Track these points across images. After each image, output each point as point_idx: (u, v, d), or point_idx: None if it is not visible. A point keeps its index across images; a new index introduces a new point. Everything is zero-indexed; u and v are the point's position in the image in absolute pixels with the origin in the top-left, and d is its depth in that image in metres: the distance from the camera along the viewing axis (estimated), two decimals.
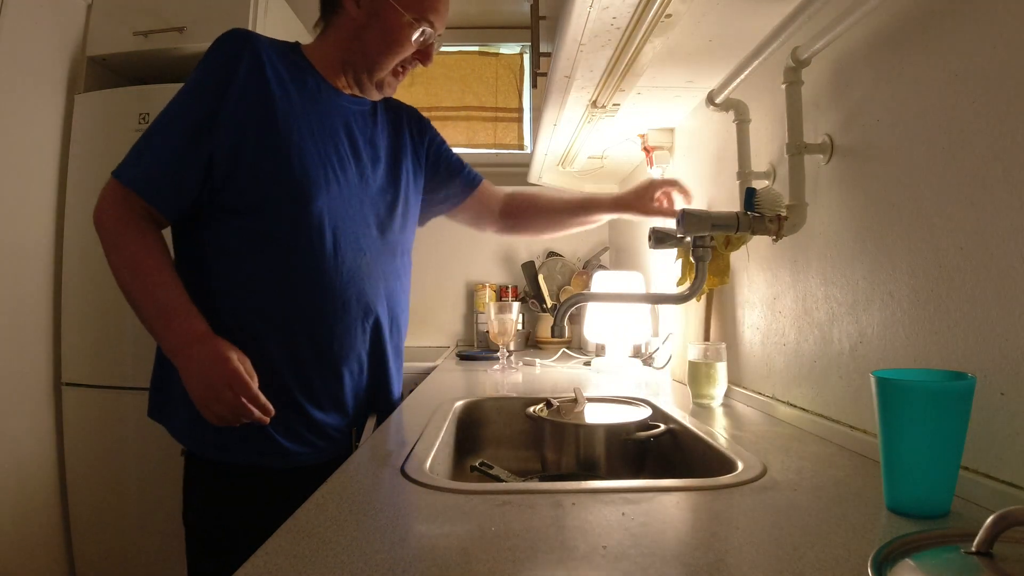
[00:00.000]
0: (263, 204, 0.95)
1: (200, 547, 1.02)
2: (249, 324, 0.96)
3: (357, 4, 1.01)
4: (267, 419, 0.89)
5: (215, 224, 0.96)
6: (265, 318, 0.97)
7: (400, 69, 1.06)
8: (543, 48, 1.52)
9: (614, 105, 1.42)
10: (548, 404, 1.09)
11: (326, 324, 1.00)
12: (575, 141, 1.77)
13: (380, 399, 1.11)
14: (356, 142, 1.06)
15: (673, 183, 1.27)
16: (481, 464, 0.92)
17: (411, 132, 1.21)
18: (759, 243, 1.12)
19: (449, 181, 1.31)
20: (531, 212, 1.37)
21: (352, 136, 1.06)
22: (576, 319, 2.22)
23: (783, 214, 0.94)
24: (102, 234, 0.92)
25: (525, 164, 2.30)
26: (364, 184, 1.06)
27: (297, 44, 1.07)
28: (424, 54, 1.05)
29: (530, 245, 2.66)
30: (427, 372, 1.80)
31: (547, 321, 2.42)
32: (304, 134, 0.97)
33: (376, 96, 1.09)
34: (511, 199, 1.39)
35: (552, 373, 1.69)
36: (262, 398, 0.88)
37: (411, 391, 1.42)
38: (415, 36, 1.01)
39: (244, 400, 0.86)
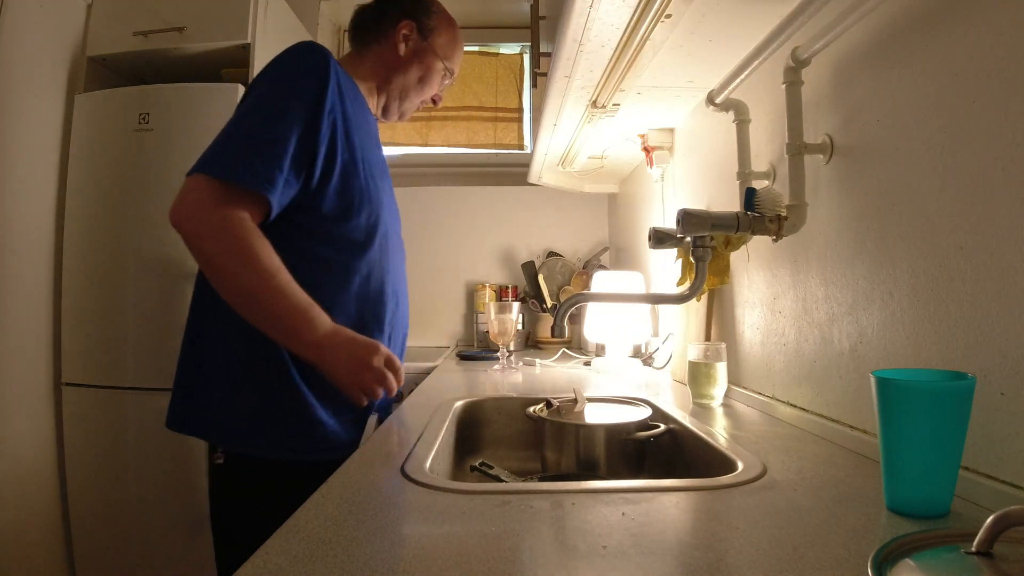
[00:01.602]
0: (345, 211, 1.01)
1: (225, 541, 1.02)
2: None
3: (405, 44, 1.16)
4: (393, 392, 0.99)
5: (298, 228, 0.99)
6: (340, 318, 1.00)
7: (420, 106, 1.24)
8: (543, 48, 1.52)
9: (614, 105, 1.42)
10: (548, 404, 1.09)
11: (381, 319, 1.09)
12: (575, 141, 1.77)
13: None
14: (383, 158, 1.19)
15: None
16: (481, 464, 0.92)
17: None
18: (759, 243, 1.12)
19: None
20: None
21: (382, 152, 1.19)
22: (576, 319, 2.22)
23: (783, 214, 0.94)
24: (207, 236, 0.89)
25: (525, 164, 2.30)
26: (391, 196, 1.17)
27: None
28: (440, 96, 1.27)
29: (530, 245, 2.66)
30: (427, 372, 1.80)
31: (547, 321, 2.42)
32: (366, 147, 1.06)
33: (387, 119, 1.23)
34: None
35: (552, 373, 1.69)
36: (401, 370, 1.00)
37: (411, 391, 1.41)
38: (444, 82, 1.23)
39: (391, 373, 0.97)
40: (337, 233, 1.01)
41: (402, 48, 1.15)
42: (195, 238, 0.89)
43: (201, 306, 1.02)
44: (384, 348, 0.98)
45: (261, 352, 0.97)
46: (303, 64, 0.98)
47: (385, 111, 1.20)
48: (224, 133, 0.94)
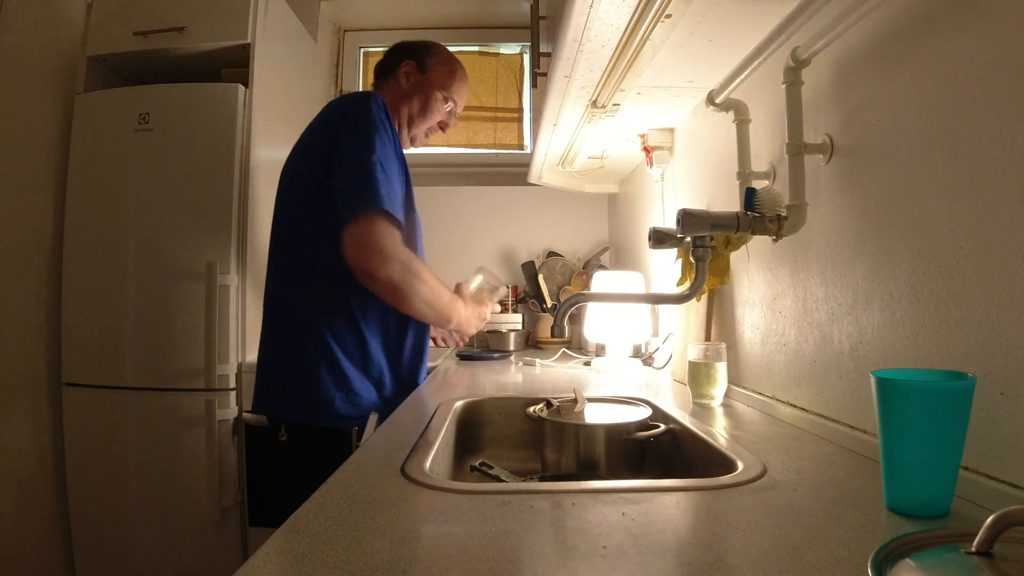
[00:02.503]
0: (406, 233, 1.25)
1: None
2: (385, 312, 1.30)
3: (407, 79, 1.43)
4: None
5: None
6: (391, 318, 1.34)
7: (429, 131, 1.48)
8: (543, 48, 1.52)
9: (614, 105, 1.42)
10: (548, 404, 1.09)
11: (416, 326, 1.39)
12: (575, 141, 1.77)
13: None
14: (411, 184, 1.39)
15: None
16: (481, 464, 0.92)
17: None
18: (759, 243, 1.12)
19: None
20: None
21: (410, 179, 1.39)
22: (576, 319, 2.22)
23: (783, 214, 0.94)
24: (400, 265, 1.18)
25: (525, 164, 2.30)
26: (414, 228, 1.38)
27: (381, 100, 1.33)
28: (446, 124, 1.50)
29: (530, 245, 2.66)
30: (427, 372, 1.80)
31: (547, 321, 2.42)
32: (406, 180, 1.30)
33: (405, 147, 1.43)
34: None
35: (552, 373, 1.69)
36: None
37: (411, 391, 1.42)
38: (445, 108, 1.46)
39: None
40: None
41: (404, 82, 1.42)
42: (396, 269, 1.17)
43: (303, 316, 1.28)
44: (483, 305, 1.46)
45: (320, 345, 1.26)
46: (375, 115, 1.22)
47: (405, 137, 1.46)
48: (365, 168, 1.17)
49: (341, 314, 1.26)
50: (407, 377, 1.37)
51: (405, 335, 1.36)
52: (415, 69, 1.43)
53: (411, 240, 1.28)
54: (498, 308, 1.30)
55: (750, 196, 0.95)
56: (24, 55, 1.79)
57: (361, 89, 2.79)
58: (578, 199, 2.59)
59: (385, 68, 1.47)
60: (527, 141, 2.78)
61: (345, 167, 1.18)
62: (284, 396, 1.27)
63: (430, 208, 2.66)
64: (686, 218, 0.99)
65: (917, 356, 0.72)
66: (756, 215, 0.96)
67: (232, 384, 1.86)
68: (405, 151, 1.39)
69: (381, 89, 1.45)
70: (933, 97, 0.69)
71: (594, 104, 1.44)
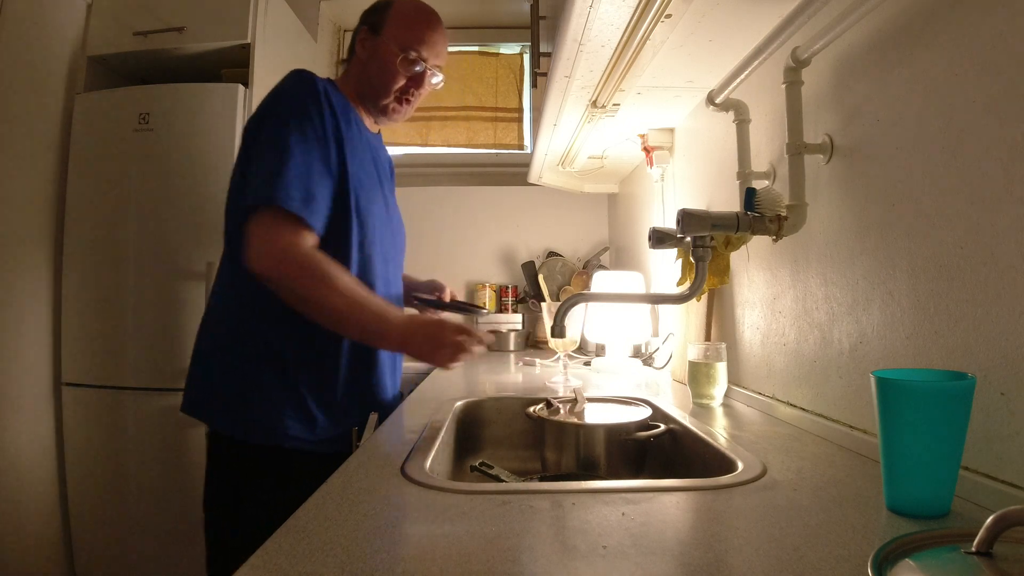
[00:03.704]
0: (339, 230, 1.08)
1: (222, 524, 1.09)
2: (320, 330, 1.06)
3: (363, 47, 1.21)
4: (484, 345, 1.07)
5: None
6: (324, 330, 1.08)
7: (402, 96, 1.20)
8: (543, 48, 1.52)
9: (614, 105, 1.42)
10: (548, 404, 1.09)
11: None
12: (575, 141, 1.77)
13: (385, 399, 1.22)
14: (381, 174, 1.22)
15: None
16: (481, 464, 0.92)
17: (392, 175, 1.38)
18: (759, 243, 1.12)
19: None
20: None
21: (379, 168, 1.22)
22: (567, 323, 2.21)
23: (783, 214, 0.94)
24: (297, 270, 0.98)
25: (525, 164, 2.30)
26: (388, 213, 1.22)
27: (336, 84, 1.19)
28: (416, 81, 1.20)
29: (530, 245, 2.66)
30: (427, 372, 1.80)
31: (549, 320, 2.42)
32: (358, 167, 1.11)
33: (385, 121, 1.24)
34: None
35: (552, 373, 1.68)
36: (475, 331, 1.06)
37: (411, 391, 1.41)
38: (406, 66, 1.18)
39: (465, 338, 1.03)
40: (327, 245, 1.05)
41: (361, 52, 1.21)
42: (289, 272, 0.99)
43: (218, 311, 1.14)
44: (450, 322, 1.07)
45: (263, 352, 1.08)
46: (299, 93, 1.07)
47: (372, 114, 1.23)
48: (267, 158, 1.02)
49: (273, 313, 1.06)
50: (355, 399, 1.14)
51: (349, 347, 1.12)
52: (368, 33, 1.21)
53: (367, 241, 1.12)
54: (481, 349, 1.07)
55: (750, 196, 0.95)
56: (24, 55, 1.79)
57: None
58: (578, 199, 2.59)
59: (350, 47, 1.28)
60: (527, 141, 2.78)
61: (254, 154, 1.04)
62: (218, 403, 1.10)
63: (430, 208, 2.66)
64: (686, 218, 0.99)
65: (917, 356, 0.72)
66: (756, 215, 0.96)
67: None
68: (389, 125, 1.26)
69: (348, 72, 1.23)
70: (933, 97, 0.69)
71: (594, 104, 1.44)
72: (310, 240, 1.01)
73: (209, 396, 1.11)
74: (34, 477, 1.82)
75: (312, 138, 1.04)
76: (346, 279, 1.01)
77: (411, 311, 1.27)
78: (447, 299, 1.40)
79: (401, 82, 1.18)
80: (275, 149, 1.01)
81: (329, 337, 1.08)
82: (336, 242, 1.07)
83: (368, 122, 1.23)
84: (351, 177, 1.09)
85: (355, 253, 1.10)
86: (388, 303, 1.07)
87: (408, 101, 1.21)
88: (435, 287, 1.42)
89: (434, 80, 1.22)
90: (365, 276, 1.12)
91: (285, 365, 1.07)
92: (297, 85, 1.09)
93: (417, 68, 1.18)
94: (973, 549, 0.41)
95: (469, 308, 1.43)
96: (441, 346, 1.03)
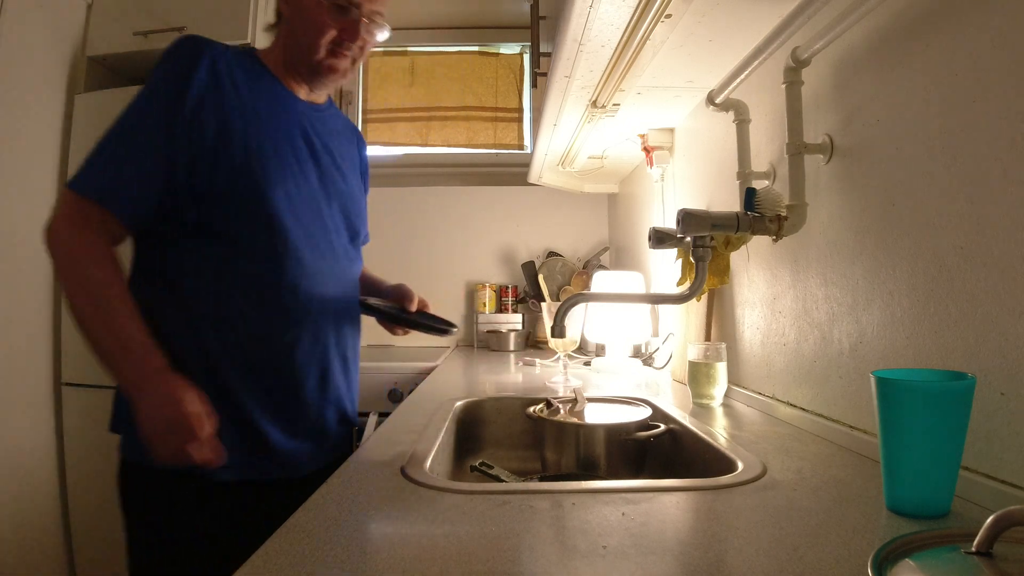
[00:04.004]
0: (224, 215, 0.92)
1: (147, 556, 0.95)
2: (208, 338, 0.91)
3: (286, 4, 1.03)
4: (217, 463, 0.83)
5: (178, 240, 0.93)
6: (226, 331, 0.92)
7: (335, 49, 1.00)
8: (543, 48, 1.52)
9: (614, 105, 1.42)
10: (548, 404, 1.09)
11: (287, 337, 0.96)
12: (575, 141, 1.77)
13: (332, 416, 1.03)
14: (315, 147, 1.03)
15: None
16: (481, 464, 0.92)
17: (358, 151, 1.22)
18: (759, 243, 1.12)
19: None
20: None
21: (310, 141, 1.03)
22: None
23: (783, 214, 0.94)
24: (56, 253, 0.86)
25: (525, 164, 2.30)
26: (325, 189, 1.03)
27: (253, 49, 1.04)
28: (350, 31, 1.00)
29: (530, 245, 2.66)
30: (427, 372, 1.80)
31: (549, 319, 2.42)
32: (263, 140, 0.95)
33: (323, 83, 1.04)
34: None
35: (552, 373, 1.69)
36: (214, 442, 0.83)
37: (411, 391, 1.42)
38: (334, 13, 0.99)
39: (192, 446, 0.80)
40: (213, 240, 0.92)
41: (285, 9, 1.04)
42: (52, 255, 0.87)
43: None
44: (187, 414, 0.80)
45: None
46: (165, 69, 0.93)
47: (306, 78, 1.03)
48: (97, 144, 0.91)
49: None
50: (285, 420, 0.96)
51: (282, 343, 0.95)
52: None
53: (280, 226, 0.94)
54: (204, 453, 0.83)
55: (750, 196, 0.95)
56: (24, 55, 1.79)
57: (361, 90, 2.79)
58: (578, 199, 2.59)
59: (276, 11, 1.10)
60: (527, 141, 2.78)
61: None
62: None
63: (430, 208, 2.66)
64: (686, 218, 0.99)
65: (917, 356, 0.72)
66: (756, 215, 0.96)
67: None
68: (329, 87, 1.07)
69: (276, 39, 1.07)
70: (933, 97, 0.69)
71: (594, 104, 1.44)
72: (110, 228, 0.89)
73: (124, 413, 0.90)
74: (34, 477, 1.82)
75: (153, 115, 0.90)
76: (94, 274, 0.86)
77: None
78: (413, 309, 1.15)
79: (330, 33, 0.99)
80: (109, 130, 0.90)
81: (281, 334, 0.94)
82: (232, 231, 0.93)
83: (301, 91, 1.04)
84: (244, 153, 0.92)
85: (261, 242, 0.93)
86: (147, 338, 0.84)
87: (343, 55, 1.01)
88: (400, 294, 1.16)
89: (377, 32, 1.03)
90: (280, 271, 0.95)
91: (217, 372, 0.91)
92: (168, 56, 0.94)
93: (348, 15, 0.99)
94: (973, 549, 0.41)
95: (439, 326, 1.15)
96: (167, 439, 0.80)
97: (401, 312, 1.14)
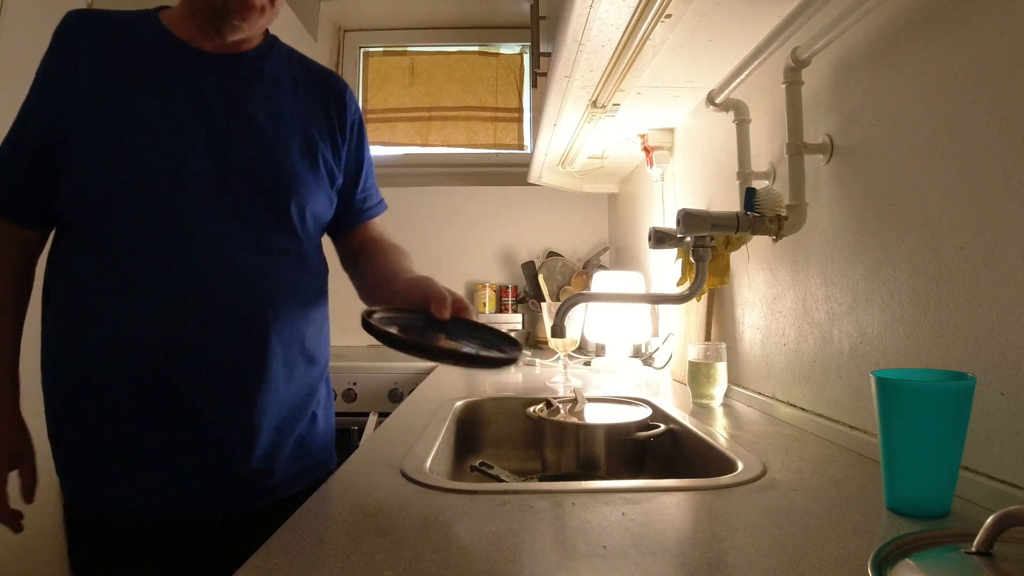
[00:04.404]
0: (90, 208, 0.81)
1: None
2: (81, 355, 0.82)
3: None
4: (14, 529, 0.80)
5: (57, 239, 0.86)
6: (99, 346, 0.80)
7: (227, 3, 0.83)
8: (543, 48, 1.52)
9: (614, 105, 1.42)
10: (548, 404, 1.09)
11: (169, 349, 0.80)
12: (575, 141, 1.77)
13: (241, 455, 0.82)
14: (211, 110, 0.84)
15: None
16: (481, 464, 0.92)
17: (329, 104, 0.96)
18: (759, 243, 1.12)
19: (352, 193, 1.02)
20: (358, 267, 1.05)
21: (208, 104, 0.84)
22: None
23: (783, 214, 0.94)
24: None
25: (525, 164, 2.30)
26: (224, 161, 0.83)
27: (154, 12, 0.90)
28: None
29: (530, 245, 2.66)
30: (427, 372, 1.80)
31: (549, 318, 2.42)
32: (135, 115, 0.81)
33: (234, 24, 0.85)
34: (362, 243, 1.06)
35: (552, 373, 1.68)
36: (6, 510, 0.81)
37: (411, 391, 1.42)
38: None
39: None
40: (81, 234, 0.82)
41: None
42: None
43: None
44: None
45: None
46: (46, 53, 0.89)
47: (215, 25, 0.85)
48: None
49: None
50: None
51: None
52: None
53: (119, 200, 0.79)
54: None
55: (750, 196, 0.95)
56: (25, 55, 1.79)
57: (361, 90, 2.79)
58: (578, 199, 2.59)
59: None
60: (527, 141, 2.78)
61: None
62: None
63: (430, 208, 2.66)
64: (686, 218, 0.99)
65: (917, 356, 0.72)
66: (756, 215, 0.96)
67: None
68: (247, 29, 0.86)
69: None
70: (933, 97, 0.69)
71: (594, 104, 1.44)
72: (6, 231, 0.86)
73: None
74: None
75: (25, 107, 0.87)
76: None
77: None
78: (444, 316, 0.74)
79: None
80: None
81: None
82: (92, 223, 0.81)
83: (209, 42, 0.86)
84: (86, 134, 0.81)
85: (115, 233, 0.79)
86: (6, 366, 0.84)
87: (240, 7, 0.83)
88: (422, 293, 0.77)
89: None
90: (132, 269, 0.78)
91: (93, 387, 0.81)
92: (51, 40, 0.88)
93: None
94: (973, 549, 0.41)
95: (490, 354, 0.72)
96: None
97: (425, 329, 0.73)
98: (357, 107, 1.02)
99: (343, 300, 1.07)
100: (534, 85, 1.92)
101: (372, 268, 0.98)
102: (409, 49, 2.82)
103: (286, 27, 2.16)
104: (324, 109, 0.95)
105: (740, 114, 1.12)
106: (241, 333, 0.82)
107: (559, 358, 1.67)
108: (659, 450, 1.03)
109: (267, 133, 0.87)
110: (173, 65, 0.85)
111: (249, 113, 0.86)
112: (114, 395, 0.79)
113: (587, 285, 2.29)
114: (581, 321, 1.69)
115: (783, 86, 0.93)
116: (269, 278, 0.85)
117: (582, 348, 2.11)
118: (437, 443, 0.87)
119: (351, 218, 1.03)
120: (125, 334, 0.79)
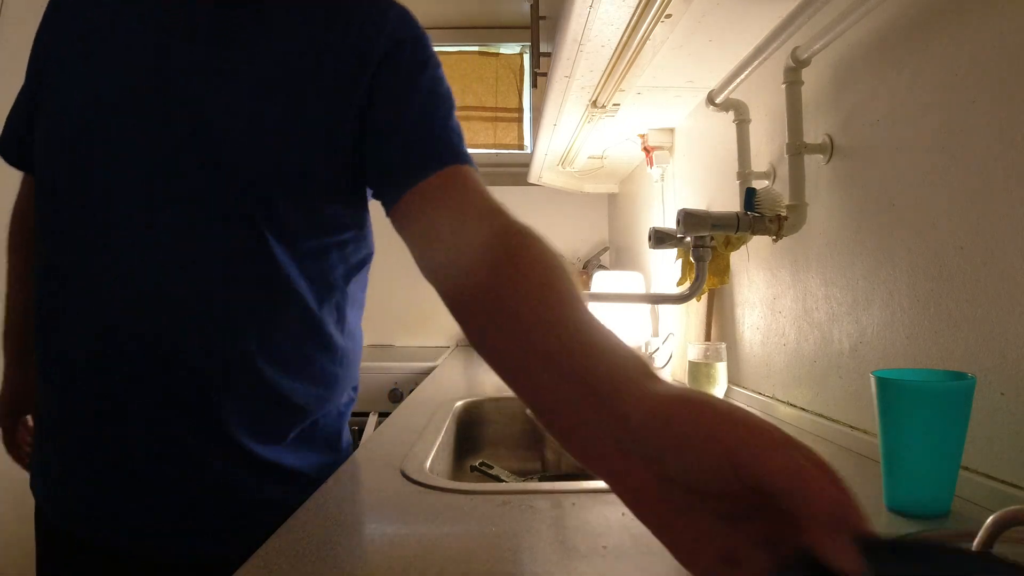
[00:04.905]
0: (40, 173, 0.70)
1: None
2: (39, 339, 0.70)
3: None
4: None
5: None
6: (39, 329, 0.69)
7: None
8: (543, 48, 1.52)
9: (614, 105, 1.42)
10: None
11: (43, 316, 0.68)
12: (575, 141, 1.77)
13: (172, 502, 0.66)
14: (167, 59, 0.65)
15: None
16: (481, 464, 0.92)
17: (349, 38, 0.68)
18: (759, 243, 1.12)
19: (382, 151, 0.68)
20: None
21: (166, 52, 0.66)
22: None
23: (783, 214, 0.94)
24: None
25: (525, 164, 2.30)
26: (168, 120, 0.64)
27: None
28: None
29: None
30: (427, 372, 1.80)
31: None
32: (82, 68, 0.68)
33: None
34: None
35: None
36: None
37: (411, 391, 1.42)
38: None
39: None
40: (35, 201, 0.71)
41: None
42: None
43: None
44: None
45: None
46: None
47: None
48: None
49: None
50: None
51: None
52: None
53: (65, 166, 0.66)
54: None
55: (750, 196, 0.95)
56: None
57: None
58: (578, 199, 2.58)
59: None
60: (527, 141, 2.78)
61: None
62: None
63: None
64: (686, 218, 0.99)
65: (917, 356, 0.72)
66: (756, 215, 0.96)
67: None
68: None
69: None
70: (933, 97, 0.69)
71: (594, 104, 1.44)
72: (24, 185, 0.81)
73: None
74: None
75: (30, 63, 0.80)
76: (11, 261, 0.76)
77: None
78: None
79: None
80: None
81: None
82: (44, 179, 0.69)
83: None
84: (57, 82, 0.70)
85: (44, 215, 0.68)
86: (10, 364, 0.74)
87: None
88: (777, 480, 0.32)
89: None
90: (110, 231, 0.64)
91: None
92: None
93: None
94: (973, 549, 0.41)
95: None
96: None
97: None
98: (406, 26, 0.71)
99: None
100: (534, 85, 1.92)
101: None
102: None
103: None
104: (342, 50, 0.68)
105: (740, 114, 1.12)
106: (175, 381, 0.64)
107: None
108: None
109: (254, 79, 0.66)
110: (137, 22, 0.68)
111: (220, 63, 0.66)
112: (58, 403, 0.70)
113: (587, 285, 2.29)
114: None
115: (783, 86, 0.93)
116: (224, 301, 0.65)
117: None
118: (437, 443, 0.87)
119: (393, 190, 0.66)
120: (59, 339, 0.67)
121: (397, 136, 0.67)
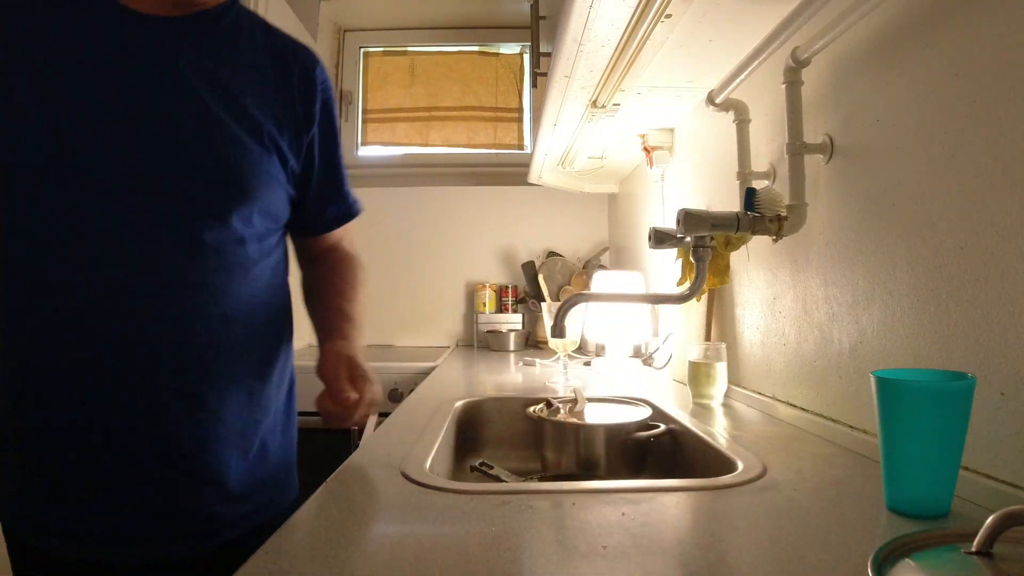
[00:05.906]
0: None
1: None
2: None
3: None
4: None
5: None
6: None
7: None
8: (543, 48, 1.52)
9: (614, 105, 1.42)
10: (548, 404, 1.09)
11: (44, 366, 0.70)
12: (575, 141, 1.77)
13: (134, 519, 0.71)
14: (136, 79, 0.71)
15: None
16: (481, 464, 0.92)
17: (292, 80, 0.86)
18: (759, 243, 1.12)
19: (308, 190, 0.88)
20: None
21: (136, 70, 0.72)
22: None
23: (783, 214, 0.94)
24: None
25: (525, 164, 2.30)
26: (137, 135, 0.70)
27: None
28: None
29: (530, 245, 2.66)
30: (427, 372, 1.80)
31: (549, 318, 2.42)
32: (53, 87, 0.69)
33: None
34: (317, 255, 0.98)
35: (552, 373, 1.69)
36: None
37: (411, 391, 1.42)
38: None
39: None
40: None
41: None
42: None
43: None
44: None
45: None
46: None
47: None
48: None
49: None
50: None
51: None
52: None
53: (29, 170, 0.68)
54: None
55: (750, 196, 0.95)
56: None
57: (361, 90, 2.79)
58: (578, 199, 2.59)
59: None
60: (527, 141, 2.78)
61: None
62: None
63: (430, 208, 2.66)
64: (686, 218, 0.99)
65: (917, 356, 0.72)
66: (756, 215, 0.96)
67: None
68: None
69: None
70: (933, 97, 0.69)
71: (594, 104, 1.44)
72: None
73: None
74: None
75: None
76: None
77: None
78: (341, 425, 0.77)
79: None
80: None
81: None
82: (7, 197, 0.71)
83: (148, 2, 0.73)
84: (21, 99, 0.69)
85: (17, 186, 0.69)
86: None
87: None
88: (329, 384, 0.76)
89: None
90: (67, 246, 0.68)
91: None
92: None
93: None
94: (973, 549, 0.41)
95: None
96: None
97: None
98: (328, 87, 0.91)
99: None
100: (534, 85, 1.92)
101: (315, 302, 0.93)
102: (409, 49, 2.82)
103: (286, 27, 2.16)
104: (287, 86, 0.84)
105: (740, 114, 1.12)
106: (164, 356, 0.71)
107: (559, 358, 1.67)
108: (659, 450, 1.03)
109: (209, 107, 0.74)
110: (113, 34, 0.72)
111: (187, 82, 0.73)
112: (37, 419, 0.71)
113: (587, 285, 2.29)
114: (581, 321, 1.69)
115: (783, 86, 0.93)
116: (200, 287, 0.73)
117: (582, 348, 2.11)
118: (437, 443, 0.87)
119: (309, 222, 0.91)
120: (29, 345, 0.70)
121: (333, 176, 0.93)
